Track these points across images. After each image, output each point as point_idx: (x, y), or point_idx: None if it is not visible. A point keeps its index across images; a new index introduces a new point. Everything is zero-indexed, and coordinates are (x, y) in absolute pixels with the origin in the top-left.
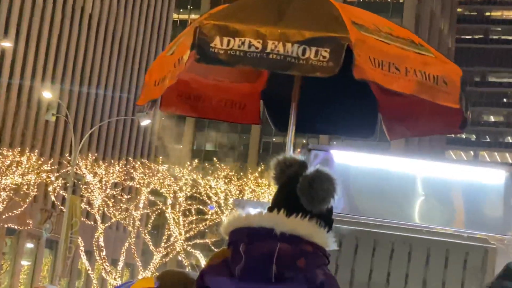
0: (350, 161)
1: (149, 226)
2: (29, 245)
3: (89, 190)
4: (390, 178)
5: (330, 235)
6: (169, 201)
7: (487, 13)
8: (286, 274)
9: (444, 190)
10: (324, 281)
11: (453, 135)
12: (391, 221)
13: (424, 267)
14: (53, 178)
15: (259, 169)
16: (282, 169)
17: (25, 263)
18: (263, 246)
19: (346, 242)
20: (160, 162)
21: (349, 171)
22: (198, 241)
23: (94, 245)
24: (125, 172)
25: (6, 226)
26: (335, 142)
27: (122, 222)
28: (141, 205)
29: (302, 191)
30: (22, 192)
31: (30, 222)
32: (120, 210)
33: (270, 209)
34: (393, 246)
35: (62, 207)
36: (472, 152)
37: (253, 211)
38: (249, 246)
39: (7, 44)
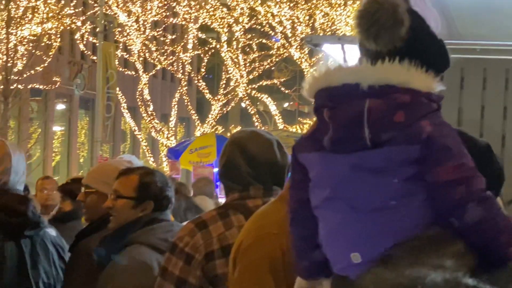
0: None
1: (203, 70)
2: (60, 106)
3: (125, 34)
4: None
5: (431, 74)
6: (224, 37)
7: None
8: (383, 136)
9: None
10: (431, 133)
11: None
12: (504, 44)
13: None
14: (79, 23)
15: None
16: None
17: (58, 128)
18: (349, 107)
19: (448, 76)
20: None
21: None
22: (264, 82)
23: (138, 99)
24: (166, 7)
25: (29, 87)
26: None
27: (168, 68)
28: (190, 45)
29: (359, 26)
30: (43, 44)
31: (58, 79)
32: (165, 54)
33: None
34: (507, 74)
35: (94, 57)
36: None
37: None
38: (333, 110)
39: None
